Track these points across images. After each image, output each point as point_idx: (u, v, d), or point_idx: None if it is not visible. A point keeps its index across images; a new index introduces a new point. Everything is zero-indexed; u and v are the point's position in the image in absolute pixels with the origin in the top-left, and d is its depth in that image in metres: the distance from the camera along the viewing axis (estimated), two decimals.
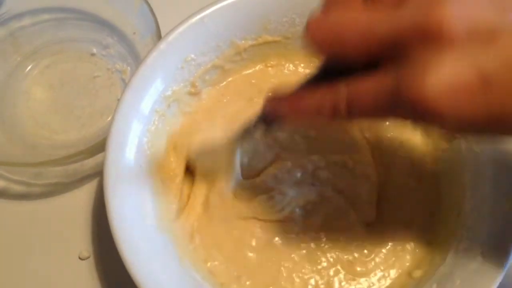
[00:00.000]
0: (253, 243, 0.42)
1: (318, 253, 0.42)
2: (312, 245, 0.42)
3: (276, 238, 0.42)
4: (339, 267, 0.42)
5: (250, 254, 0.42)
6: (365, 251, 0.42)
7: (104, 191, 0.38)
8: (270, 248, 0.42)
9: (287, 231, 0.42)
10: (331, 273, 0.41)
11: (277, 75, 0.49)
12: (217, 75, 0.47)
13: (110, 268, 0.46)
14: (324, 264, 0.42)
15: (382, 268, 0.42)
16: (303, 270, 0.41)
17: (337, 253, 0.42)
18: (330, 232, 0.43)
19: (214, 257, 0.41)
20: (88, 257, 0.47)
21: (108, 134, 0.39)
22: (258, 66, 0.49)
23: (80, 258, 0.47)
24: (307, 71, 0.49)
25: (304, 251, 0.42)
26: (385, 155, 0.46)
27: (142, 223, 0.39)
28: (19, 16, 0.54)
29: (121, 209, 0.38)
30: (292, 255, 0.42)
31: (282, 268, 0.41)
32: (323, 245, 0.42)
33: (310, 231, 0.43)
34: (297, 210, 0.43)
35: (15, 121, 0.52)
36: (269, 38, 0.47)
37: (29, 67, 0.55)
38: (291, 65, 0.49)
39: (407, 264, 0.42)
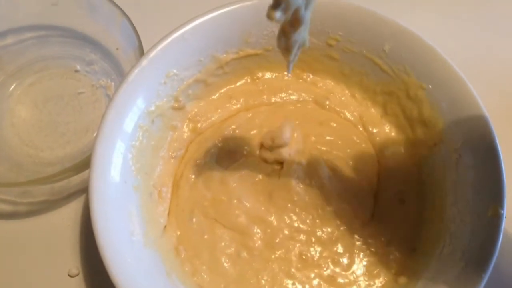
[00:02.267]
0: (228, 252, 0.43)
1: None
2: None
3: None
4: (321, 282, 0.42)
5: (227, 265, 0.42)
6: (347, 260, 0.43)
7: (90, 209, 0.38)
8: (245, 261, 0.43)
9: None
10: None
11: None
12: (200, 89, 0.48)
13: (100, 284, 0.46)
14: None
15: (366, 278, 0.42)
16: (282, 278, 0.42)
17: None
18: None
19: (200, 270, 0.42)
20: (78, 274, 0.47)
21: (92, 152, 0.39)
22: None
23: (69, 275, 0.47)
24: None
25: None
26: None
27: (129, 239, 0.39)
28: (2, 35, 0.54)
29: (107, 226, 0.38)
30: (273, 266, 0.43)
31: (262, 281, 0.42)
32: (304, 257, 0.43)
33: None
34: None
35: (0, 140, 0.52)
36: (251, 51, 0.48)
37: (13, 86, 0.55)
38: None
39: (393, 271, 0.42)
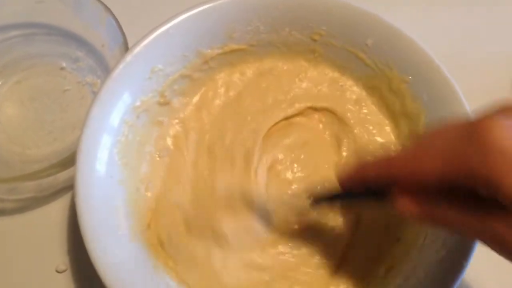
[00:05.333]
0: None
1: None
2: None
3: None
4: None
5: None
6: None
7: (76, 204, 0.38)
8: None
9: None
10: None
11: None
12: (186, 85, 0.48)
13: (88, 280, 0.46)
14: None
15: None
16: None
17: None
18: None
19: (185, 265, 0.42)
20: (65, 270, 0.47)
21: (77, 148, 0.39)
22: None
23: (57, 271, 0.47)
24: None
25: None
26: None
27: (115, 233, 0.40)
28: None
29: (93, 221, 0.38)
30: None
31: None
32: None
33: None
34: None
35: None
36: (235, 47, 0.48)
37: None
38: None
39: (374, 260, 0.43)
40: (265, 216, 0.43)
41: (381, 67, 0.46)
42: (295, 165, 0.47)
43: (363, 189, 0.34)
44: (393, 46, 0.45)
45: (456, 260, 0.37)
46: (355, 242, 0.44)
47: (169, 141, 0.47)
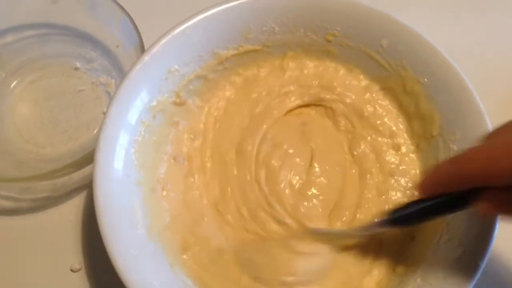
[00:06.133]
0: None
1: None
2: None
3: None
4: None
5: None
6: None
7: (94, 202, 0.38)
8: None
9: None
10: None
11: None
12: (201, 85, 0.48)
13: (102, 279, 0.46)
14: None
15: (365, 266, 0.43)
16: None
17: None
18: None
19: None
20: (80, 269, 0.47)
21: (95, 147, 0.40)
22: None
23: (72, 270, 0.47)
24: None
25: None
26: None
27: (133, 232, 0.40)
28: (3, 33, 0.54)
29: (111, 219, 0.38)
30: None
31: None
32: None
33: None
34: None
35: (1, 137, 0.52)
36: (250, 47, 0.48)
37: (13, 83, 0.55)
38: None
39: (391, 260, 0.43)
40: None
41: (395, 68, 0.47)
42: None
43: (447, 193, 0.33)
44: (408, 47, 0.45)
45: (473, 259, 0.37)
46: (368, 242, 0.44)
47: (185, 142, 0.48)
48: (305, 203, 0.45)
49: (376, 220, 0.39)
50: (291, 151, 0.47)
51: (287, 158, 0.47)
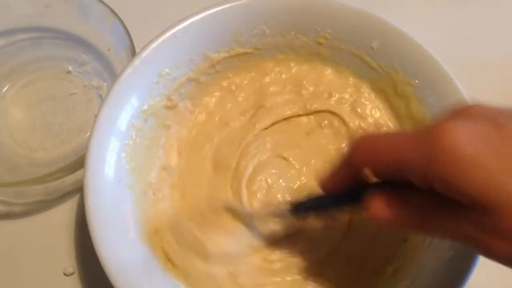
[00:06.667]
0: None
1: None
2: None
3: None
4: None
5: None
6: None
7: (85, 206, 0.38)
8: None
9: None
10: None
11: None
12: (193, 88, 0.48)
13: (96, 283, 0.47)
14: None
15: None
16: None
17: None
18: None
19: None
20: (73, 273, 0.47)
21: (86, 151, 0.40)
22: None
23: (65, 274, 0.47)
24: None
25: None
26: None
27: (124, 236, 0.40)
28: None
29: (103, 223, 0.38)
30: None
31: None
32: None
33: None
34: None
35: None
36: (241, 50, 0.48)
37: (6, 87, 0.55)
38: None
39: (382, 261, 0.43)
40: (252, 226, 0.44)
41: (386, 70, 0.47)
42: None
43: (343, 189, 0.34)
44: (399, 49, 0.45)
45: (464, 261, 0.37)
46: (358, 243, 0.44)
47: (175, 147, 0.48)
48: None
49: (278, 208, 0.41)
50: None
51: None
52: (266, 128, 0.48)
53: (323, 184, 0.36)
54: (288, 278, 0.43)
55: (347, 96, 0.49)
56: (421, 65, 0.44)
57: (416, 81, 0.45)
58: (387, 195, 0.31)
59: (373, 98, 0.49)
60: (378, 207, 0.31)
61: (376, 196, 0.31)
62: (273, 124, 0.48)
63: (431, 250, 0.40)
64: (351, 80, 0.49)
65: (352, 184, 0.33)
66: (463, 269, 0.37)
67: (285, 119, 0.49)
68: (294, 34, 0.48)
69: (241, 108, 0.49)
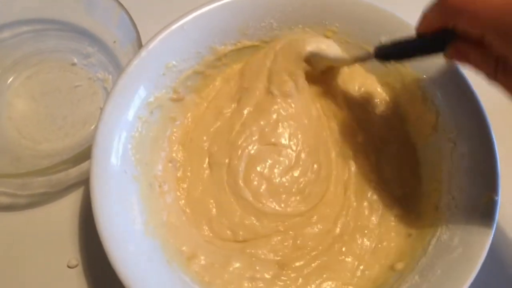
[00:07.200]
0: None
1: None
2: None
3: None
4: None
5: None
6: (343, 248, 0.44)
7: (91, 198, 0.38)
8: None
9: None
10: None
11: None
12: (199, 81, 0.48)
13: (99, 275, 0.46)
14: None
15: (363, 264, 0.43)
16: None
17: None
18: None
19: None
20: (77, 265, 0.47)
21: (92, 142, 0.39)
22: None
23: (68, 266, 0.47)
24: None
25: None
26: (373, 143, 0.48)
27: (130, 228, 0.40)
28: None
29: (108, 215, 0.38)
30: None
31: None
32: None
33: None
34: None
35: None
36: (248, 43, 0.48)
37: (10, 79, 0.55)
38: None
39: (390, 258, 0.43)
40: None
41: (394, 64, 0.46)
42: None
43: (430, 33, 0.37)
44: None
45: (472, 257, 0.37)
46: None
47: (179, 140, 0.48)
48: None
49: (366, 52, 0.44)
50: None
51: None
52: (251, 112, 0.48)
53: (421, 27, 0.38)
54: None
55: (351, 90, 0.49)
56: (429, 59, 0.44)
57: (424, 75, 0.45)
58: (467, 46, 0.35)
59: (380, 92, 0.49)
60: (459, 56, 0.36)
61: (458, 45, 0.35)
62: (257, 104, 0.48)
63: (440, 246, 0.40)
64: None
65: (438, 31, 0.36)
66: (470, 264, 0.37)
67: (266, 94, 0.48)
68: (302, 27, 0.48)
69: (231, 94, 0.49)
